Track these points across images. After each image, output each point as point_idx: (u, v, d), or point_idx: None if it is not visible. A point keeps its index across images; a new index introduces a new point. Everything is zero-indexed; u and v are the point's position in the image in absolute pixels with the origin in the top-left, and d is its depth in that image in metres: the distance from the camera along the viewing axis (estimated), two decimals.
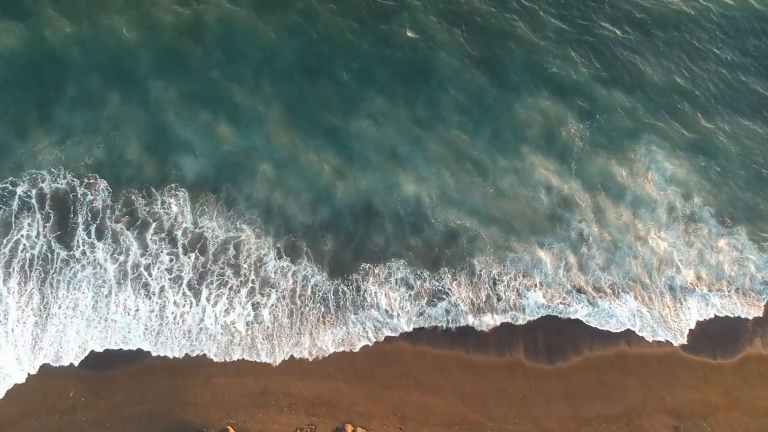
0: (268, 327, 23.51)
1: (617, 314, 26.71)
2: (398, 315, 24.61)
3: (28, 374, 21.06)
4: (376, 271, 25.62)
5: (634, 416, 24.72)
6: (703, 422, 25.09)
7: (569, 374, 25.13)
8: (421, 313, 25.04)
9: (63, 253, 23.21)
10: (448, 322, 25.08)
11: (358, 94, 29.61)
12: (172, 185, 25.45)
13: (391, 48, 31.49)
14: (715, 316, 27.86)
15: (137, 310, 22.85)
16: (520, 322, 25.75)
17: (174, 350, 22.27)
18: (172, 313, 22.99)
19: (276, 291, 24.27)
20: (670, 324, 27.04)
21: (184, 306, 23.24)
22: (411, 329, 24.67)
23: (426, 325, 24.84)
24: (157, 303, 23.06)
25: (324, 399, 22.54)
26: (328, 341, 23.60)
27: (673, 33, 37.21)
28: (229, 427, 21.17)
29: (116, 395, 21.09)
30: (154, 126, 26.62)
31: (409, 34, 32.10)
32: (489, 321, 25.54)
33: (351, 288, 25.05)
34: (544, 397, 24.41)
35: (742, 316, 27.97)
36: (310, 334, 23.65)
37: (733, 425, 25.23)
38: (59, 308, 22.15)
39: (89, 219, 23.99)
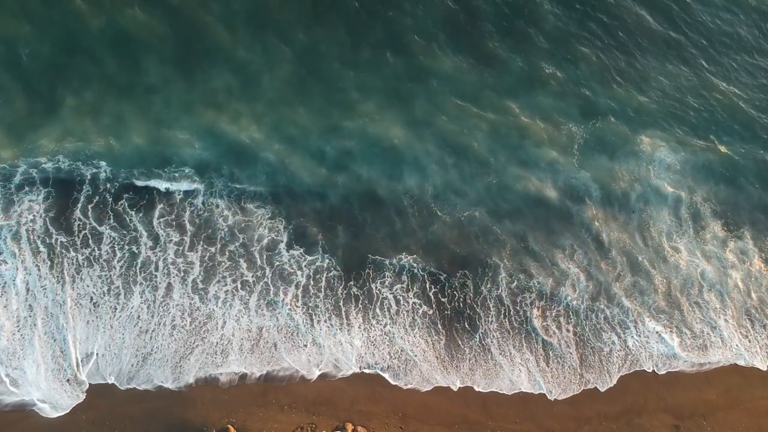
0: (288, 334, 23.08)
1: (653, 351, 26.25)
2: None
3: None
4: (386, 264, 25.19)
5: (634, 415, 24.74)
6: (703, 422, 25.14)
7: None
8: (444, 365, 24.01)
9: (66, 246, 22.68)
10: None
11: (357, 92, 29.21)
12: (174, 165, 25.19)
13: (389, 45, 31.03)
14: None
15: (138, 318, 22.21)
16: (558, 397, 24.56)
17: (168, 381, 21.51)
18: (173, 320, 22.39)
19: (292, 285, 23.92)
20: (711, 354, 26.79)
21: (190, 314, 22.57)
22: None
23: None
24: (159, 311, 22.44)
25: (325, 398, 22.48)
26: (347, 363, 23.21)
27: (679, 29, 36.89)
28: (229, 426, 21.12)
29: (116, 394, 20.98)
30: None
31: (408, 30, 31.64)
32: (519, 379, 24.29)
33: (363, 291, 24.61)
34: (544, 396, 24.40)
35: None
36: (330, 355, 23.26)
37: (734, 425, 25.28)
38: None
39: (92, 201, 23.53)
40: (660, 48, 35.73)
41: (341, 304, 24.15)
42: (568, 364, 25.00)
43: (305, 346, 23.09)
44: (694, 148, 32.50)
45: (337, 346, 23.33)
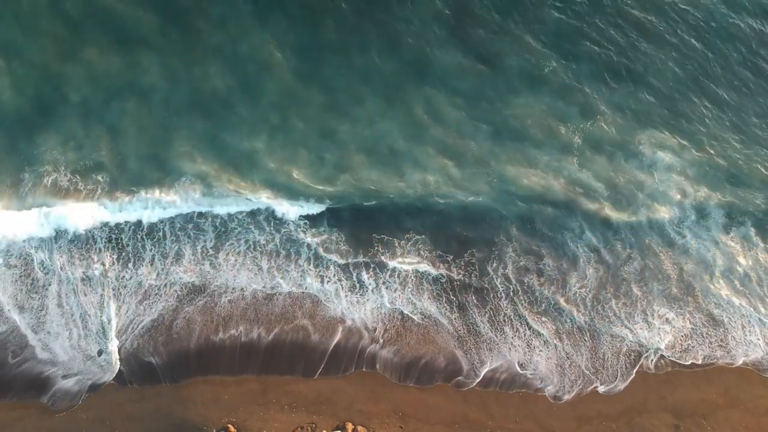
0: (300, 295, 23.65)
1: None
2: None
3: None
4: (396, 250, 25.49)
5: (634, 415, 24.74)
6: (703, 421, 25.12)
7: None
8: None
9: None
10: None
11: (357, 91, 29.31)
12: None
13: (389, 45, 31.17)
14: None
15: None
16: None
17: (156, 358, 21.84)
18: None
19: (303, 246, 24.52)
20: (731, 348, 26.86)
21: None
22: None
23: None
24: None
25: (325, 397, 22.49)
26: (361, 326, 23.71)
27: (682, 27, 37.06)
28: (229, 426, 21.13)
29: (116, 393, 21.00)
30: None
31: (407, 30, 31.79)
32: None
33: (373, 261, 25.07)
34: (544, 396, 24.40)
35: None
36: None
37: (734, 424, 25.27)
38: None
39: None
40: (661, 48, 35.91)
41: (351, 269, 24.61)
42: (576, 364, 25.07)
43: (323, 301, 23.57)
44: (694, 146, 32.64)
45: (350, 308, 23.80)
